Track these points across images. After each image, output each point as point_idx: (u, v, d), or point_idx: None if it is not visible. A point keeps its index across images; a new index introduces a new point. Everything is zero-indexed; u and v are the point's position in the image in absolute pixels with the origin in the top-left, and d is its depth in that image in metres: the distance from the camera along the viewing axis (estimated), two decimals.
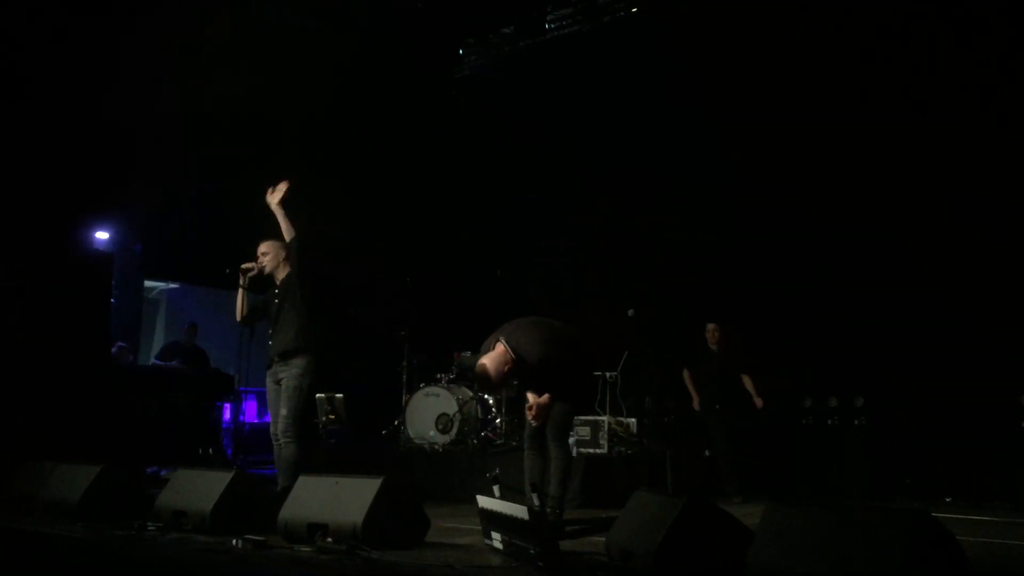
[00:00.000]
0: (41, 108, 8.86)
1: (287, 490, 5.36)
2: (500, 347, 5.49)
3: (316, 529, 4.85)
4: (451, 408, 9.06)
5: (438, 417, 9.08)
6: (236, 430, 10.20)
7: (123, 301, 11.26)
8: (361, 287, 11.14)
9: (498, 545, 4.67)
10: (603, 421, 8.42)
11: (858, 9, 9.05)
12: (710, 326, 8.69)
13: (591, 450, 8.33)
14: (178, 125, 10.23)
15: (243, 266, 6.42)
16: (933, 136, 8.52)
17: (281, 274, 6.40)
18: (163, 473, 8.06)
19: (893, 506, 7.15)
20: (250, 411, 12.40)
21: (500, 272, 9.04)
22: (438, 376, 9.65)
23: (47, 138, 8.82)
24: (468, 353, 9.84)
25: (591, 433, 8.43)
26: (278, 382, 6.21)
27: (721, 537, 3.96)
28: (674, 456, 7.92)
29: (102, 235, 10.92)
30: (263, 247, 6.45)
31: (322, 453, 8.69)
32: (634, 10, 10.95)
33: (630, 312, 8.48)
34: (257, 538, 4.80)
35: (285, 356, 6.19)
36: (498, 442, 8.81)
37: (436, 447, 8.93)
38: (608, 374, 8.64)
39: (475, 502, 4.95)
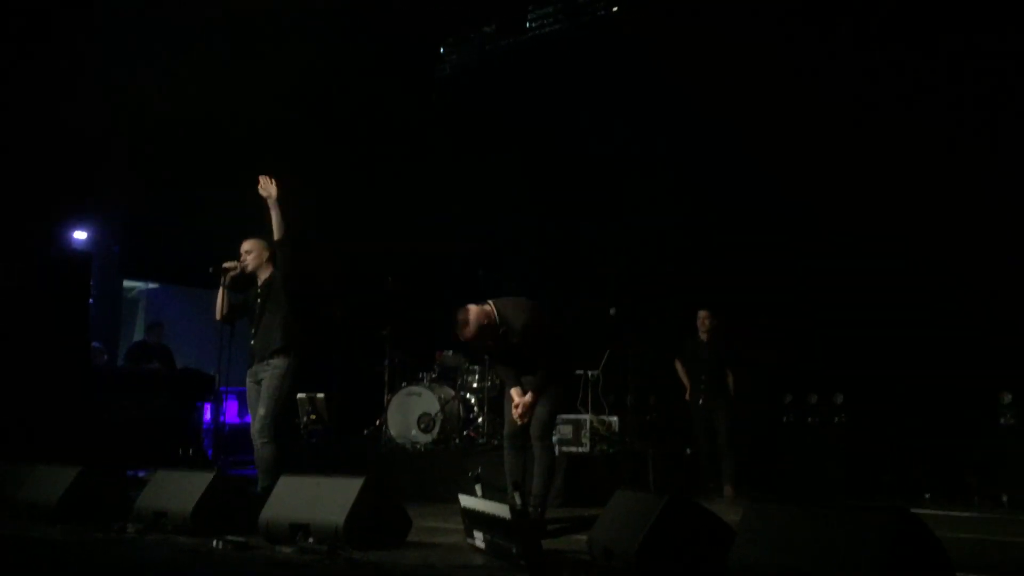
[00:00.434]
0: (16, 108, 8.78)
1: (268, 490, 5.34)
2: (488, 307, 5.73)
3: (297, 530, 4.84)
4: (433, 408, 9.04)
5: (420, 417, 9.06)
6: (216, 430, 10.15)
7: (101, 301, 11.19)
8: (342, 286, 11.10)
9: (480, 544, 4.66)
10: (585, 420, 8.42)
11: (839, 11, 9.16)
12: (701, 313, 8.68)
13: (573, 448, 8.34)
14: (156, 125, 10.18)
15: (225, 264, 6.35)
16: (906, 127, 8.61)
17: (264, 273, 6.34)
18: (142, 474, 8.01)
19: (873, 503, 7.19)
20: (230, 411, 12.35)
21: (482, 271, 9.03)
22: (420, 375, 9.63)
23: (23, 138, 8.75)
24: (450, 352, 9.84)
25: (573, 432, 8.43)
26: (259, 382, 6.15)
27: (702, 535, 3.97)
28: (656, 454, 7.93)
29: (80, 235, 10.84)
30: (247, 245, 6.38)
31: (303, 453, 8.65)
32: (615, 9, 10.98)
33: (612, 310, 8.48)
34: (238, 539, 4.79)
35: (267, 356, 6.15)
36: (480, 441, 8.80)
37: (418, 447, 8.91)
38: (590, 372, 8.65)
39: (457, 501, 4.95)
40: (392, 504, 5.08)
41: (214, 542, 4.74)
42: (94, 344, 10.03)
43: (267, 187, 6.17)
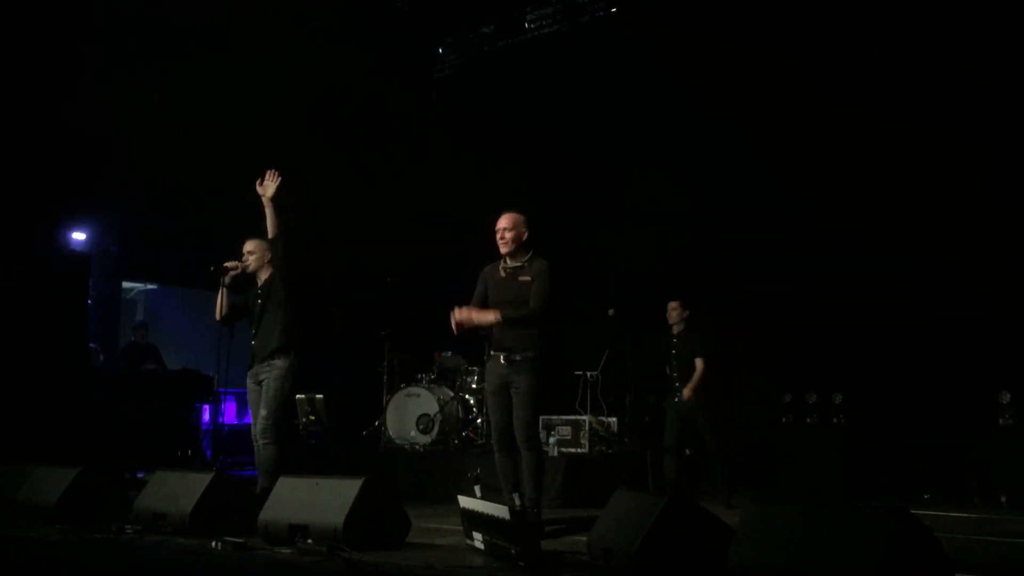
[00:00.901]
0: (16, 108, 8.78)
1: (267, 491, 5.33)
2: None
3: (296, 530, 4.84)
4: (432, 408, 9.04)
5: (419, 417, 9.06)
6: (215, 431, 10.15)
7: (100, 302, 11.18)
8: (341, 286, 11.10)
9: (479, 545, 4.66)
10: (584, 420, 8.42)
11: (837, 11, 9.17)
12: (671, 304, 7.96)
13: (572, 449, 8.34)
14: (155, 126, 10.18)
15: (226, 264, 6.35)
16: (906, 127, 8.62)
17: (264, 274, 6.35)
18: (141, 475, 8.01)
19: (872, 503, 7.18)
20: (229, 412, 12.35)
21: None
22: (419, 376, 9.63)
23: (22, 138, 8.75)
24: (449, 353, 9.84)
25: (572, 432, 8.44)
26: (259, 383, 6.16)
27: (702, 535, 3.97)
28: (655, 455, 7.91)
29: (79, 236, 10.84)
30: (249, 245, 6.38)
31: (302, 454, 8.64)
32: (613, 10, 10.98)
33: (611, 311, 8.46)
34: (237, 540, 4.78)
35: (267, 356, 6.15)
36: (479, 442, 8.80)
37: (417, 447, 8.91)
38: (589, 373, 8.65)
39: (456, 502, 4.94)
40: (391, 505, 5.08)
41: (213, 543, 4.74)
42: (91, 345, 10.03)
43: (265, 185, 6.17)
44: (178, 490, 5.40)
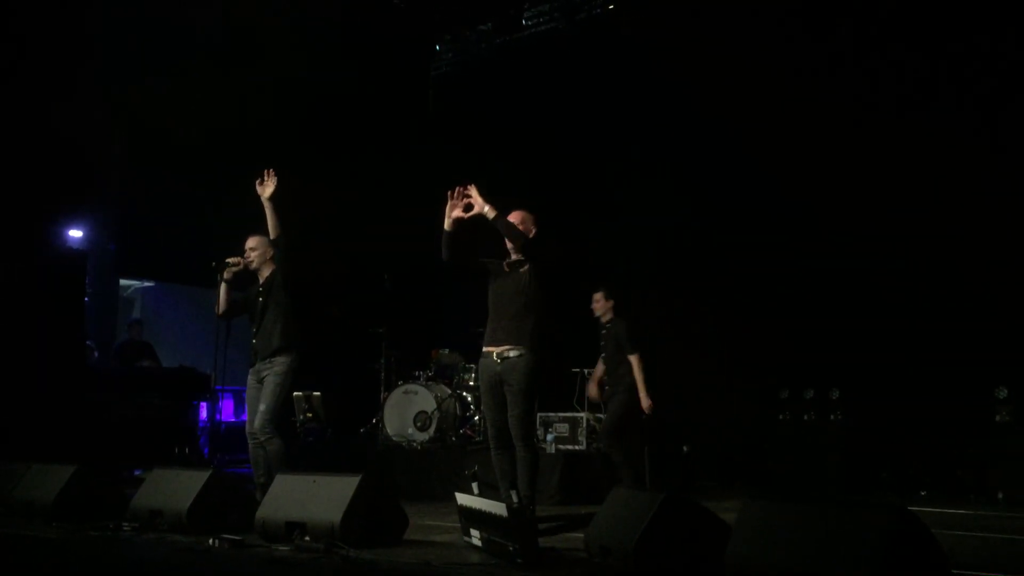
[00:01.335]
0: (13, 107, 8.76)
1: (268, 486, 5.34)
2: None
3: (294, 528, 4.83)
4: (429, 406, 9.04)
5: (416, 415, 9.06)
6: (213, 429, 10.13)
7: (97, 300, 11.17)
8: (339, 285, 11.08)
9: (477, 542, 4.66)
10: (581, 418, 8.43)
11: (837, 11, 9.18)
12: (595, 295, 7.69)
13: (569, 446, 8.34)
14: (152, 123, 10.16)
15: (228, 260, 6.35)
16: (906, 128, 8.62)
17: (266, 271, 6.35)
18: (138, 473, 8.00)
19: (870, 500, 7.20)
20: (227, 410, 12.32)
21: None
22: (416, 374, 9.61)
23: (19, 136, 8.73)
24: (446, 351, 9.84)
25: (569, 430, 8.44)
26: (261, 380, 6.16)
27: (699, 532, 3.98)
28: (652, 452, 7.91)
29: (76, 233, 10.81)
30: (251, 242, 6.37)
31: (300, 452, 8.64)
32: (611, 7, 10.97)
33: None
34: (234, 537, 4.78)
35: (269, 354, 6.15)
36: (477, 439, 8.80)
37: (415, 445, 8.91)
38: (586, 371, 8.64)
39: (454, 500, 4.94)
40: (389, 502, 5.08)
41: (210, 540, 4.74)
42: (87, 342, 10.02)
43: (264, 185, 6.16)
44: (175, 488, 5.39)
